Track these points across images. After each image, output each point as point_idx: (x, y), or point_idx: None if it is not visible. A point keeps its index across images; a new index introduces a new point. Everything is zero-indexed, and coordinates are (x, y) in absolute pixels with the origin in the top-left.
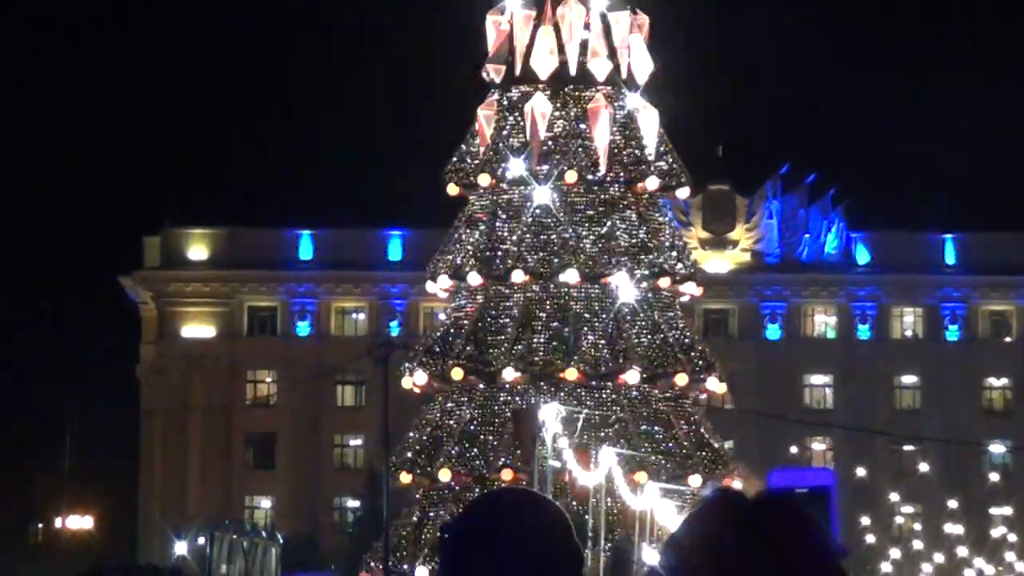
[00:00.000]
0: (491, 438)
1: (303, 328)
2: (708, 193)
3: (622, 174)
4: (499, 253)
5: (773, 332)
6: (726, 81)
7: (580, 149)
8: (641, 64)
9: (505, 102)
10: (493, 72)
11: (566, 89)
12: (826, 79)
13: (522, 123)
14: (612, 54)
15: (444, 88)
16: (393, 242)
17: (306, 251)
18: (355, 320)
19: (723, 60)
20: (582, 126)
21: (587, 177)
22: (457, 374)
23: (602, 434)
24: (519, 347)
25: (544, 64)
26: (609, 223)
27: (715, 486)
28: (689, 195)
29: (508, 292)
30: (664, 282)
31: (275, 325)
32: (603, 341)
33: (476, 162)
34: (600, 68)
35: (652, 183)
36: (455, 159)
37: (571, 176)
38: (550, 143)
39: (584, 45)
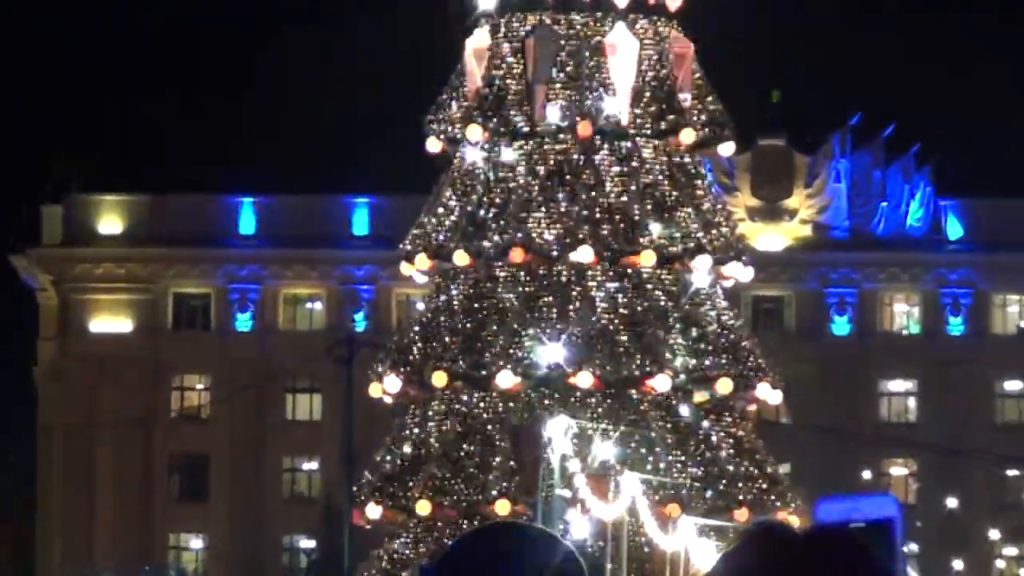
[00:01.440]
0: (483, 460)
1: (244, 321)
2: (759, 150)
3: (649, 125)
4: (492, 226)
5: (841, 326)
6: (786, 8)
7: (595, 94)
8: None
9: (500, 36)
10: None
11: (577, 17)
12: (906, 8)
13: (522, 62)
14: None
15: (424, 26)
16: (358, 212)
17: (247, 224)
18: (310, 311)
19: None
20: (597, 64)
21: (604, 130)
22: (439, 379)
23: (624, 456)
24: (518, 345)
25: None
26: (633, 187)
27: (758, 519)
28: (735, 152)
29: (504, 275)
30: (701, 263)
31: (208, 318)
32: (625, 338)
33: (464, 111)
34: None
35: (687, 136)
36: (437, 107)
37: (584, 128)
38: (557, 87)
39: None
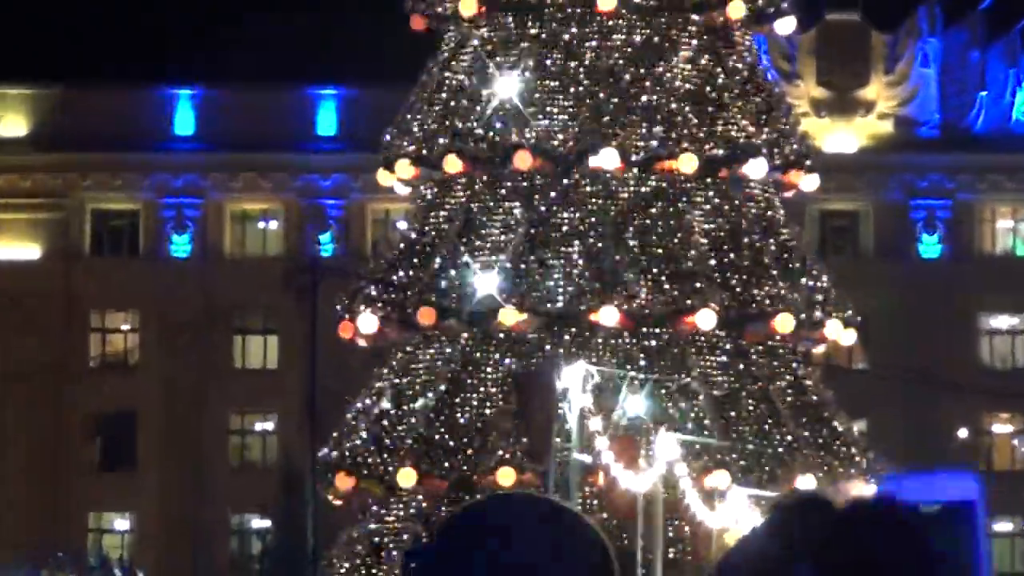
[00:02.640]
0: (481, 418)
1: (180, 245)
2: (827, 27)
3: None
4: (492, 124)
5: (930, 247)
6: None
7: None
8: None
9: None
10: None
11: None
12: None
13: None
14: None
15: None
16: (323, 108)
17: (185, 122)
18: (263, 232)
19: None
20: None
21: (632, 0)
22: (426, 316)
23: (658, 411)
24: (524, 273)
25: None
26: (667, 75)
27: (796, 493)
28: (796, 29)
29: (507, 185)
30: (755, 168)
31: (136, 241)
32: (660, 263)
33: None
34: None
35: (736, 9)
36: None
37: (607, 1)
38: None
39: None
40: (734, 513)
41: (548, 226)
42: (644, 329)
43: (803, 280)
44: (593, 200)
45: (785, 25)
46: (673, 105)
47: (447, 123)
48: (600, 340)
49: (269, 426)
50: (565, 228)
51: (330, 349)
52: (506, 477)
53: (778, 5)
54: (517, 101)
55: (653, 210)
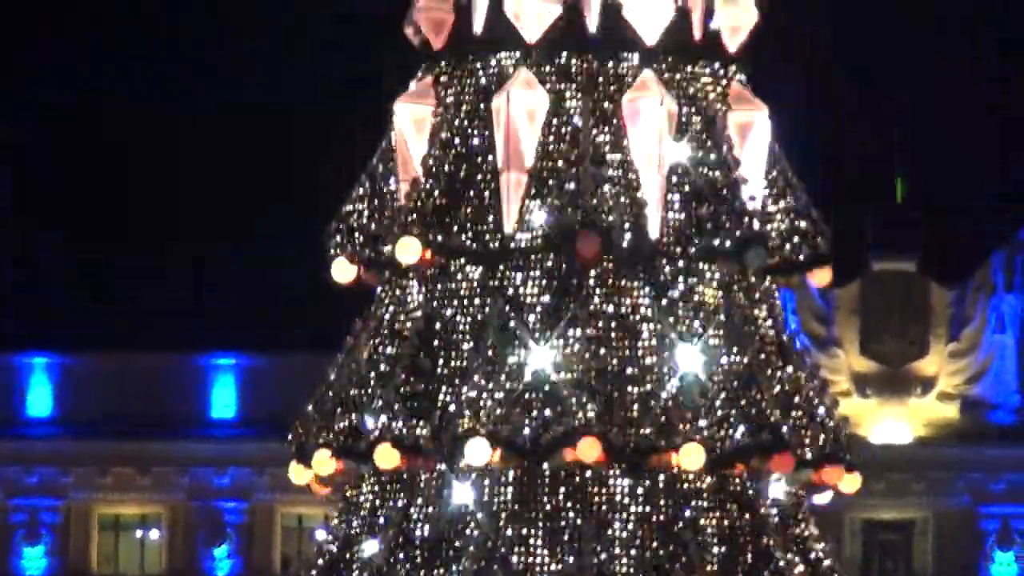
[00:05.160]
0: None
1: (34, 560)
2: (874, 279)
3: (696, 241)
4: (443, 406)
5: (1005, 568)
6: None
7: (604, 190)
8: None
9: (454, 89)
10: None
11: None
12: None
13: (487, 132)
14: None
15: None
16: (220, 382)
17: (41, 400)
18: (141, 542)
19: None
20: (614, 131)
21: (624, 248)
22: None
23: None
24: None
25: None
26: (668, 337)
27: None
28: (835, 282)
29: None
30: (780, 464)
31: None
32: None
33: (390, 216)
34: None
35: (756, 257)
36: (347, 213)
37: (588, 245)
38: (543, 174)
39: None
40: None
41: (515, 528)
42: None
43: None
44: (570, 502)
45: (820, 276)
46: (679, 395)
47: (380, 405)
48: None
49: None
50: (534, 541)
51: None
52: None
53: (810, 250)
54: (475, 377)
55: (648, 540)
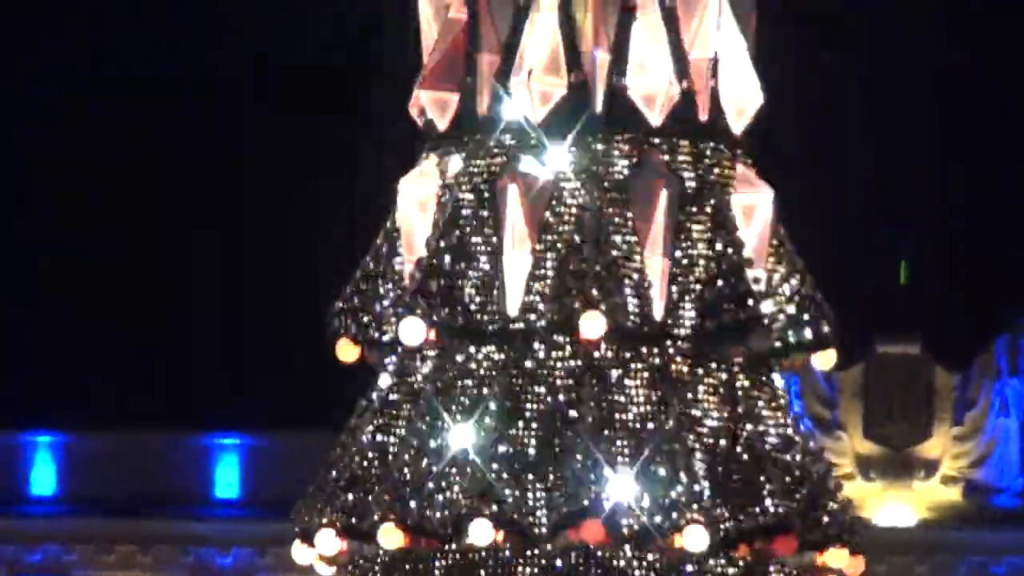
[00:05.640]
0: None
1: None
2: (877, 362)
3: (696, 324)
4: (444, 487)
5: None
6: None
7: (611, 275)
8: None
9: (455, 176)
10: None
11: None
12: None
13: (488, 216)
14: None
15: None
16: (224, 461)
17: (44, 478)
18: None
19: None
20: (619, 213)
21: (626, 333)
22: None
23: None
24: None
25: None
26: (670, 421)
27: None
28: (838, 366)
29: (462, 563)
30: (784, 546)
31: None
32: None
33: (396, 295)
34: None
35: (759, 339)
36: (351, 293)
37: (592, 325)
38: (545, 262)
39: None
40: None
41: None
42: None
43: None
44: None
45: (824, 360)
46: (681, 473)
47: (383, 484)
48: None
49: None
50: None
51: None
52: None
53: (814, 333)
54: (476, 456)
55: None
